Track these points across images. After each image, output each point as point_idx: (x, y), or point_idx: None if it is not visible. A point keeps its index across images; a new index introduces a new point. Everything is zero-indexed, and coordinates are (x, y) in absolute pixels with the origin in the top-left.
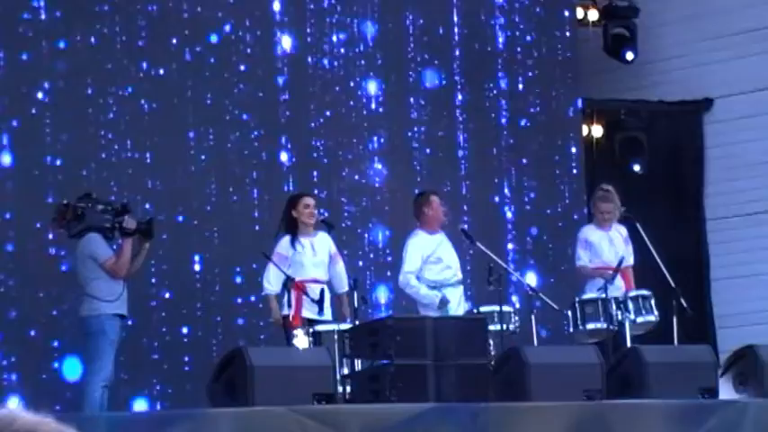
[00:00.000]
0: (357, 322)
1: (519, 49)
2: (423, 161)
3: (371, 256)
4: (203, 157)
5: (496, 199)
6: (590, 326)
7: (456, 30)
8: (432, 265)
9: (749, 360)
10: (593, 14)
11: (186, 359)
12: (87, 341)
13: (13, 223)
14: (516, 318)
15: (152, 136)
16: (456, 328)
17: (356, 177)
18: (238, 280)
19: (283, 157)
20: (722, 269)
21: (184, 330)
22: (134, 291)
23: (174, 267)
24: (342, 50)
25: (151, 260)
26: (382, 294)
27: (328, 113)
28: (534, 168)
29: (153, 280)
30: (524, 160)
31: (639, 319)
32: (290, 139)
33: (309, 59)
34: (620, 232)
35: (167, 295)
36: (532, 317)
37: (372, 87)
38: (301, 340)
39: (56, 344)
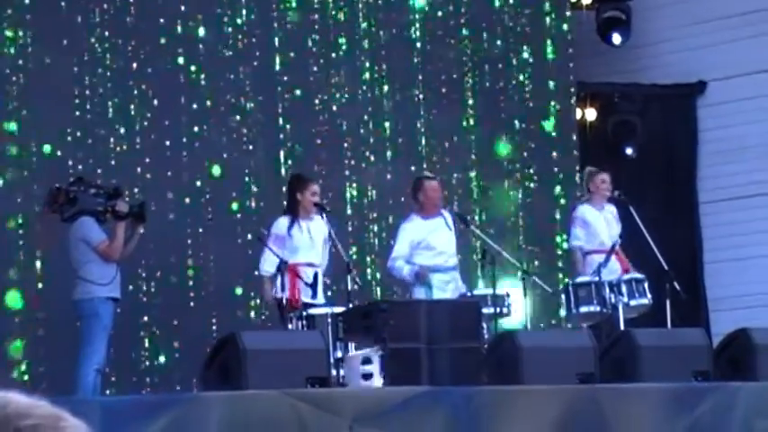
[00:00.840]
0: (350, 305)
1: (512, 32)
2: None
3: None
4: (197, 144)
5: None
6: (583, 309)
7: (451, 8)
8: (422, 250)
9: (742, 343)
10: None
11: (177, 345)
12: (81, 325)
13: None
14: (509, 301)
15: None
16: (449, 312)
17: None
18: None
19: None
20: (715, 252)
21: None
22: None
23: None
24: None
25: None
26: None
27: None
28: (527, 151)
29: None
30: (517, 143)
31: (633, 303)
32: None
33: (309, 42)
34: (611, 211)
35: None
36: (526, 300)
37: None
38: None
39: None
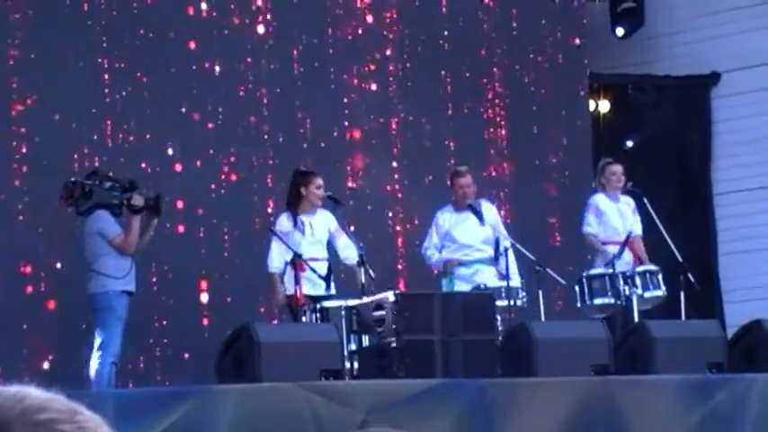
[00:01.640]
0: (364, 298)
1: (525, 25)
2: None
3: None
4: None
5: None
6: (597, 301)
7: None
8: (448, 242)
9: (756, 334)
10: None
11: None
12: (95, 317)
13: None
14: (524, 293)
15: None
16: (463, 304)
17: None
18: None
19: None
20: (729, 244)
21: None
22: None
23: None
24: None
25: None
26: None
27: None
28: (541, 143)
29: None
30: (531, 134)
31: (647, 294)
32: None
33: (317, 40)
34: (627, 203)
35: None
36: (540, 292)
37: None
38: None
39: None
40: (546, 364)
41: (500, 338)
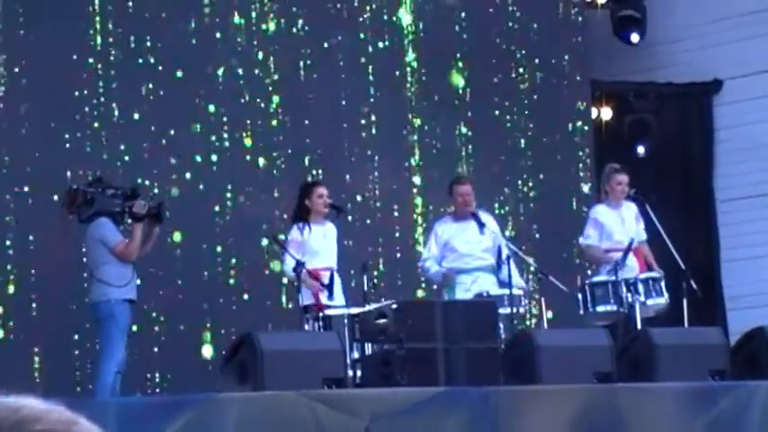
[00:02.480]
0: (367, 306)
1: (527, 31)
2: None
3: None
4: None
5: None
6: (600, 308)
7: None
8: (447, 252)
9: (759, 341)
10: None
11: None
12: (98, 327)
13: None
14: (526, 301)
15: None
16: (466, 312)
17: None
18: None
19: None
20: (732, 251)
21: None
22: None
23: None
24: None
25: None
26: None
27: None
28: (542, 151)
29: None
30: (532, 143)
31: (650, 302)
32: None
33: (321, 41)
34: (629, 209)
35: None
36: (542, 300)
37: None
38: None
39: None
40: (548, 372)
41: (502, 346)
